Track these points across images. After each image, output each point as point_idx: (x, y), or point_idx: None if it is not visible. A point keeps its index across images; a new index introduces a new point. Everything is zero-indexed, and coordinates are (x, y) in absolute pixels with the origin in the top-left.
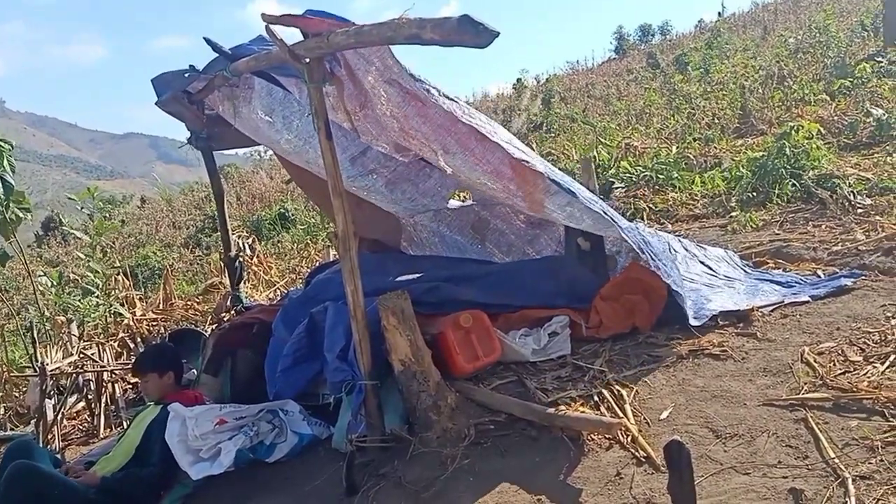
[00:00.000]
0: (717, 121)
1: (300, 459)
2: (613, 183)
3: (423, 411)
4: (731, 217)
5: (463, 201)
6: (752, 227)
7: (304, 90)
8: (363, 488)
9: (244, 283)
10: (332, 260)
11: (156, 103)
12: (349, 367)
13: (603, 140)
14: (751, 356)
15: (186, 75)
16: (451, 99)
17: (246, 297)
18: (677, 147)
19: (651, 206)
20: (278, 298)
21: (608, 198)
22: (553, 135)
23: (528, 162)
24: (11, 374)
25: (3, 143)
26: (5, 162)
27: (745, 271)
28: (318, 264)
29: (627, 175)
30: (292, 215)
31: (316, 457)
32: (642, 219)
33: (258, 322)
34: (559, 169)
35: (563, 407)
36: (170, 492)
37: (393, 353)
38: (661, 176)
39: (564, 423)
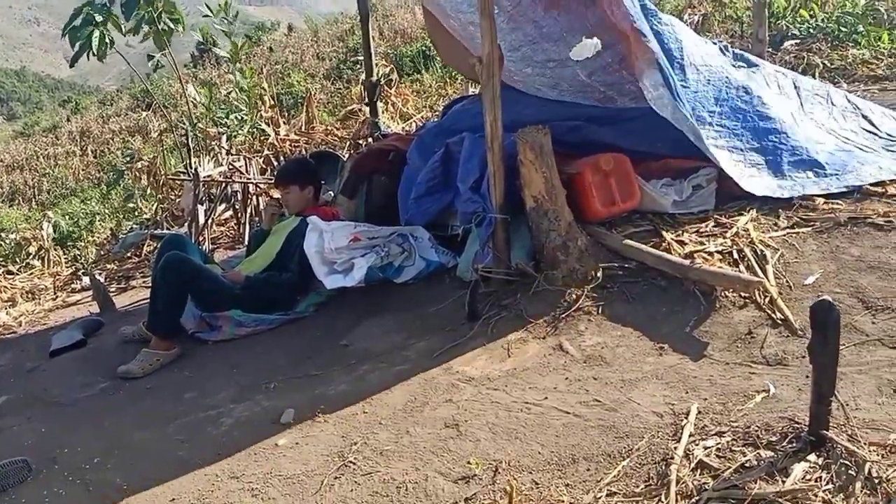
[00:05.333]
0: None
1: (426, 284)
2: (788, 32)
3: (552, 250)
4: None
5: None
6: None
7: None
8: (484, 316)
9: (382, 111)
10: (469, 94)
11: None
12: (481, 199)
13: None
14: None
15: None
16: None
17: (383, 125)
18: None
19: (826, 62)
20: (414, 130)
21: (777, 50)
22: None
23: (644, 36)
24: (168, 178)
25: None
26: None
27: None
28: (457, 96)
29: (804, 25)
30: (433, 52)
31: (441, 283)
32: (814, 76)
33: (394, 149)
34: (727, 15)
35: (699, 260)
36: (305, 297)
37: (526, 189)
38: (843, 30)
39: (698, 276)
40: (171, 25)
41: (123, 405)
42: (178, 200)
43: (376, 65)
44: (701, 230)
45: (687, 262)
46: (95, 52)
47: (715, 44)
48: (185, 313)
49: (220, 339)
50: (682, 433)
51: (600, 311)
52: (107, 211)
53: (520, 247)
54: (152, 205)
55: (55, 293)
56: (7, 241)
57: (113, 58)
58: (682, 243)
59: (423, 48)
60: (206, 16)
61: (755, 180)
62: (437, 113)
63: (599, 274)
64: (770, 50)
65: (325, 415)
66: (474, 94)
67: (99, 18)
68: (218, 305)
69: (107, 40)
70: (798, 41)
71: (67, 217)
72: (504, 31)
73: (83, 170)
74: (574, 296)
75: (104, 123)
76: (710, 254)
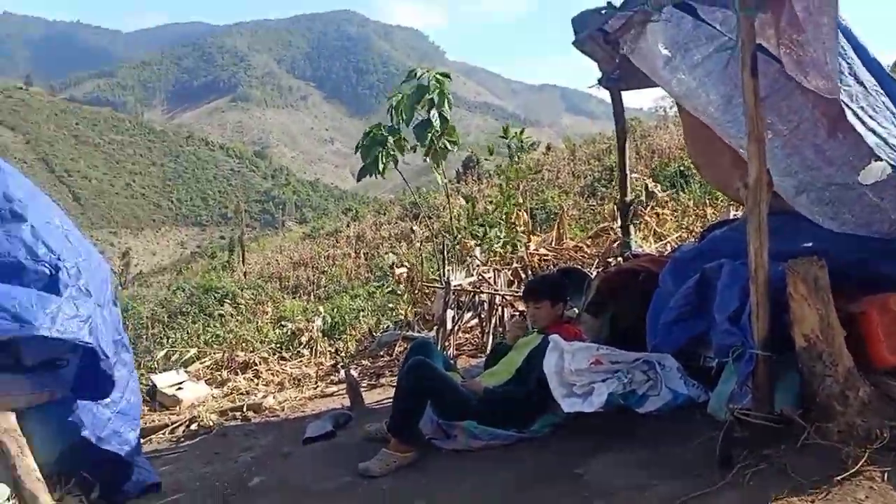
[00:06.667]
0: None
1: (671, 417)
2: None
3: (826, 398)
4: None
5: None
6: None
7: (726, 20)
8: (739, 465)
9: (635, 230)
10: (731, 217)
11: (573, 42)
12: (740, 332)
13: None
14: None
15: (603, 12)
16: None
17: (635, 245)
18: None
19: None
20: (668, 251)
21: None
22: None
23: None
24: (424, 285)
25: (441, 78)
26: (445, 102)
27: None
28: (716, 220)
29: None
30: (691, 172)
31: (689, 420)
32: None
33: (645, 270)
34: None
35: None
36: (541, 417)
37: (796, 326)
38: None
39: None
40: (448, 147)
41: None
42: (430, 305)
43: (633, 185)
44: None
45: None
46: (380, 171)
47: None
48: (424, 418)
49: (453, 449)
50: None
51: (886, 479)
52: (370, 308)
53: (785, 390)
54: (408, 307)
55: (316, 382)
56: (285, 330)
57: (391, 171)
58: None
59: (681, 168)
60: (502, 136)
61: None
62: (694, 235)
63: (886, 433)
64: None
65: None
66: (736, 219)
67: (387, 139)
68: (455, 414)
69: (396, 157)
70: None
71: (336, 311)
72: (778, 157)
73: (355, 270)
74: (853, 456)
75: (377, 230)
76: None
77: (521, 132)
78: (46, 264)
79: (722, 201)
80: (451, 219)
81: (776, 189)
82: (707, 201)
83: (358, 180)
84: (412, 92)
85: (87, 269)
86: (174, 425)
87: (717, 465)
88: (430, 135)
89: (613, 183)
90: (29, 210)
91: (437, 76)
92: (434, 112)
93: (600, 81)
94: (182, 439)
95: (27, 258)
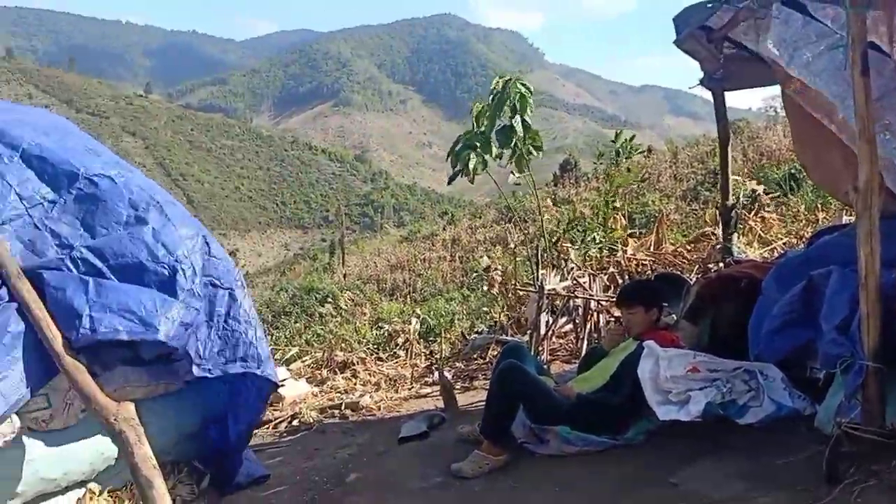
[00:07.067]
0: None
1: (774, 430)
2: None
3: None
4: None
5: None
6: None
7: (837, 17)
8: (847, 481)
9: (737, 235)
10: (843, 223)
11: (674, 41)
12: (849, 342)
13: None
14: None
15: (709, 6)
16: None
17: (737, 251)
18: None
19: None
20: (774, 257)
21: None
22: None
23: None
24: (517, 289)
25: (524, 87)
26: (528, 108)
27: None
28: (827, 225)
29: None
30: (803, 176)
31: (794, 432)
32: None
33: (747, 277)
34: None
35: None
36: (636, 423)
37: None
38: None
39: None
40: (533, 152)
41: None
42: (523, 310)
43: (736, 188)
44: None
45: None
46: (470, 174)
47: None
48: (516, 422)
49: (546, 454)
50: None
51: None
52: (464, 311)
53: None
54: (501, 311)
55: (411, 383)
56: (382, 331)
57: (484, 174)
58: None
59: (792, 170)
60: (613, 140)
61: None
62: (804, 241)
63: None
64: None
65: None
66: (848, 224)
67: (477, 144)
68: (547, 419)
69: (484, 160)
70: None
71: (431, 313)
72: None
73: (450, 273)
74: None
75: (472, 233)
76: None
77: (632, 138)
78: (165, 266)
79: (835, 206)
80: (542, 222)
81: (893, 189)
82: (819, 206)
83: (448, 183)
84: (493, 99)
85: (208, 259)
86: (277, 421)
87: (823, 480)
88: (513, 140)
89: (717, 186)
90: (150, 213)
91: (519, 83)
92: (517, 118)
93: (702, 82)
94: (284, 434)
95: (148, 259)
